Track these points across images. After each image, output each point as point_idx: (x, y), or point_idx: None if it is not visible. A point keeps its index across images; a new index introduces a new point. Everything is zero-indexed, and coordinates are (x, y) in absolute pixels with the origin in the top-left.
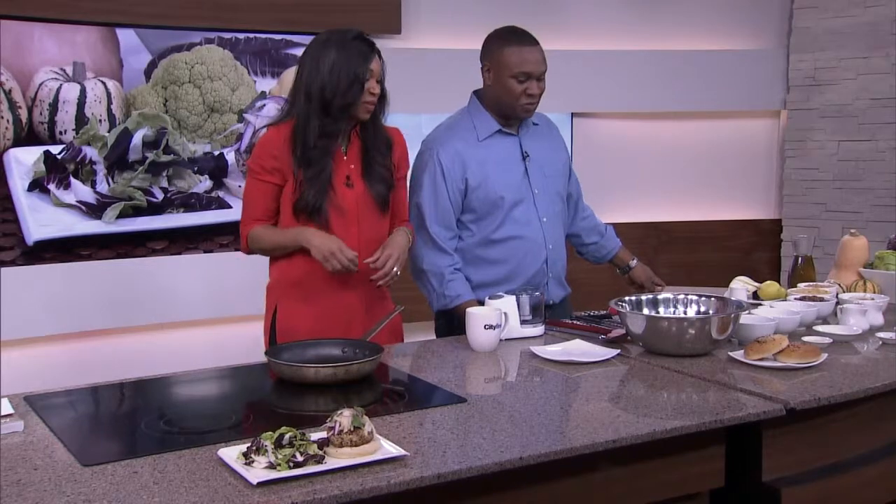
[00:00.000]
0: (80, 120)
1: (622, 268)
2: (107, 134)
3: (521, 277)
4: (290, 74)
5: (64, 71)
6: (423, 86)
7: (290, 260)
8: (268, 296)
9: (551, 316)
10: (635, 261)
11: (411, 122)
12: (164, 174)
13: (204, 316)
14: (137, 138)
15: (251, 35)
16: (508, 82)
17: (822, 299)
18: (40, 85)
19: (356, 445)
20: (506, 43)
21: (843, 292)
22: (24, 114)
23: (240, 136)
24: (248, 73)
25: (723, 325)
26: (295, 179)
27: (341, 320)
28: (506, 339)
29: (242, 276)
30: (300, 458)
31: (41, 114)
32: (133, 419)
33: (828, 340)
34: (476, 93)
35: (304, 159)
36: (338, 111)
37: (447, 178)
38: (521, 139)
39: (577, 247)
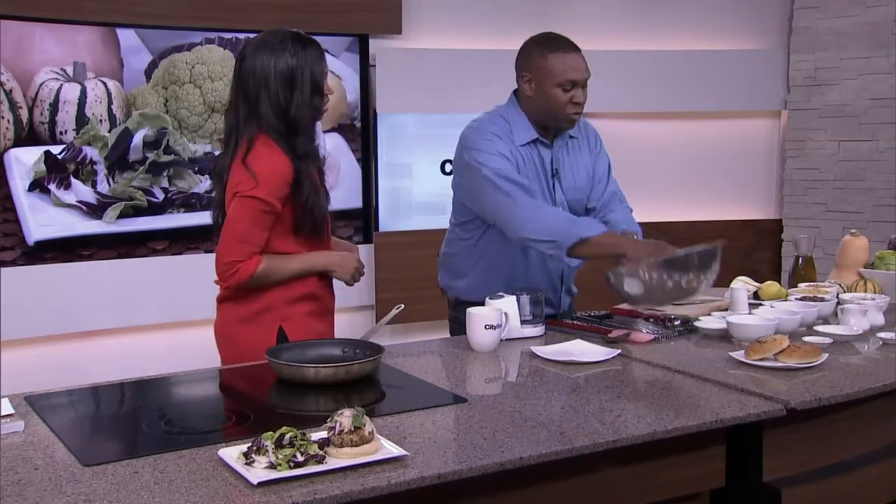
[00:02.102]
0: (81, 120)
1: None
2: (107, 134)
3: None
4: None
5: (64, 71)
6: (424, 86)
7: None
8: (254, 319)
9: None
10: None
11: (409, 121)
12: (165, 174)
13: (205, 316)
14: (138, 138)
15: (251, 35)
16: (553, 91)
17: (822, 299)
18: (41, 85)
19: (357, 445)
20: (548, 50)
21: (844, 292)
22: (24, 114)
23: None
24: None
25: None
26: (296, 201)
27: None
28: (506, 339)
29: None
30: (301, 458)
31: (42, 114)
32: (134, 419)
33: (828, 340)
34: (516, 93)
35: (297, 181)
36: (306, 127)
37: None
38: (553, 153)
39: None
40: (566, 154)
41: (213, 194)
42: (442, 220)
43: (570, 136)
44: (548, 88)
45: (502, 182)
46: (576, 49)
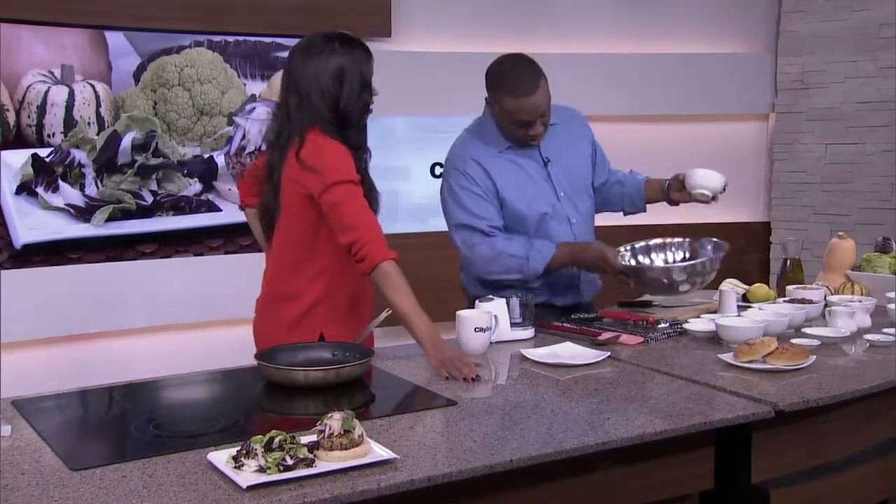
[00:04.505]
0: (69, 123)
1: (662, 199)
2: (95, 137)
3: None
4: (279, 77)
5: (52, 73)
6: (414, 89)
7: (338, 276)
8: (298, 322)
9: (584, 313)
10: (667, 182)
11: (399, 124)
12: (154, 177)
13: (194, 319)
14: (126, 141)
15: (241, 38)
16: (511, 126)
17: (810, 301)
18: (28, 87)
19: (346, 448)
20: (503, 92)
21: (831, 294)
22: (11, 116)
23: (230, 139)
24: (238, 75)
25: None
26: None
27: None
28: (496, 342)
29: (232, 279)
30: (290, 462)
31: (29, 116)
32: (122, 423)
33: (816, 342)
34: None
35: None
36: (356, 121)
37: (477, 182)
38: (539, 146)
39: (615, 208)
40: (552, 142)
41: (262, 196)
42: (432, 223)
43: (551, 124)
44: (505, 123)
45: (464, 233)
46: (530, 91)
